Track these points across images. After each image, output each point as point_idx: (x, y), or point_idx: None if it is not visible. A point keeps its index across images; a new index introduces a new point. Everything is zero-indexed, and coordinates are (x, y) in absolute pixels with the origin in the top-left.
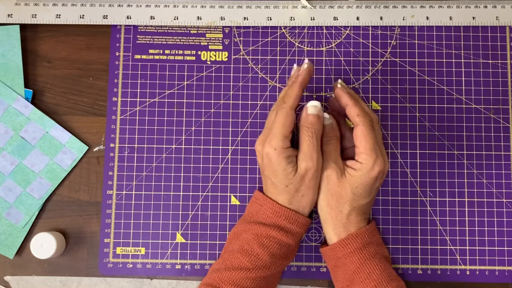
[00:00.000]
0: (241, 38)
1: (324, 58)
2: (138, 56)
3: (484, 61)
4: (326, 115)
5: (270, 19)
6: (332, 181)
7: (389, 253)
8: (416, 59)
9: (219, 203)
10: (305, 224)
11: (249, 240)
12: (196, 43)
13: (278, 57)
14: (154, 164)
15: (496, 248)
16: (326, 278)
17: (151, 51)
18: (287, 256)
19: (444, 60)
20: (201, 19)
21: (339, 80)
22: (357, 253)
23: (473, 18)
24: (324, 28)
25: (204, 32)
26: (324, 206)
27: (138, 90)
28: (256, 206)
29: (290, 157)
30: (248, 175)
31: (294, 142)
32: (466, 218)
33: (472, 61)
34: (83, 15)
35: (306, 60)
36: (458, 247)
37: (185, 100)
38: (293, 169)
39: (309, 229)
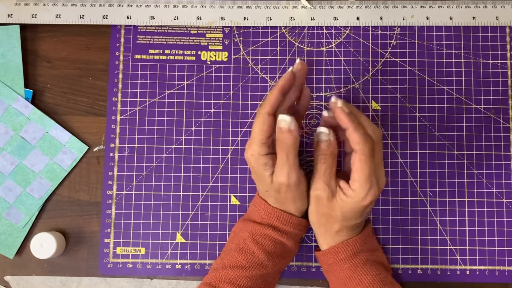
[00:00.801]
0: (241, 38)
1: (324, 58)
2: (138, 56)
3: (484, 61)
4: (324, 129)
5: (270, 19)
6: (322, 202)
7: (385, 257)
8: (416, 59)
9: (219, 203)
10: (299, 224)
11: (245, 238)
12: (196, 43)
13: (278, 57)
14: (154, 164)
15: (496, 248)
16: (326, 278)
17: (151, 51)
18: (284, 256)
19: (444, 60)
20: (201, 19)
21: (339, 102)
22: (347, 261)
23: (473, 18)
24: (324, 28)
25: (204, 32)
26: (314, 221)
27: (138, 90)
28: (252, 207)
29: (267, 165)
30: (248, 175)
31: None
32: (466, 218)
33: (472, 61)
34: (83, 15)
35: (298, 60)
36: (458, 247)
37: (185, 100)
38: (269, 177)
39: (309, 229)
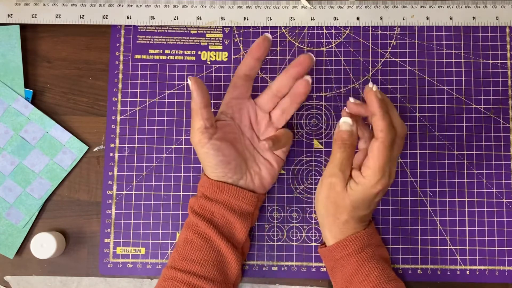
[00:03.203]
0: (241, 38)
1: (324, 58)
2: (138, 56)
3: (484, 61)
4: (348, 120)
5: (270, 19)
6: (335, 190)
7: (388, 254)
8: (416, 59)
9: None
10: (218, 187)
11: (189, 214)
12: (196, 43)
13: (278, 57)
14: (154, 164)
15: (496, 248)
16: (326, 278)
17: (151, 51)
18: (227, 226)
19: (444, 60)
20: (201, 19)
21: (374, 86)
22: (355, 255)
23: (473, 18)
24: (324, 28)
25: (204, 32)
26: (321, 209)
27: (138, 90)
28: None
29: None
30: None
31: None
32: (466, 218)
33: (472, 61)
34: (83, 15)
35: (267, 34)
36: (458, 247)
37: (185, 100)
38: None
39: (309, 229)
